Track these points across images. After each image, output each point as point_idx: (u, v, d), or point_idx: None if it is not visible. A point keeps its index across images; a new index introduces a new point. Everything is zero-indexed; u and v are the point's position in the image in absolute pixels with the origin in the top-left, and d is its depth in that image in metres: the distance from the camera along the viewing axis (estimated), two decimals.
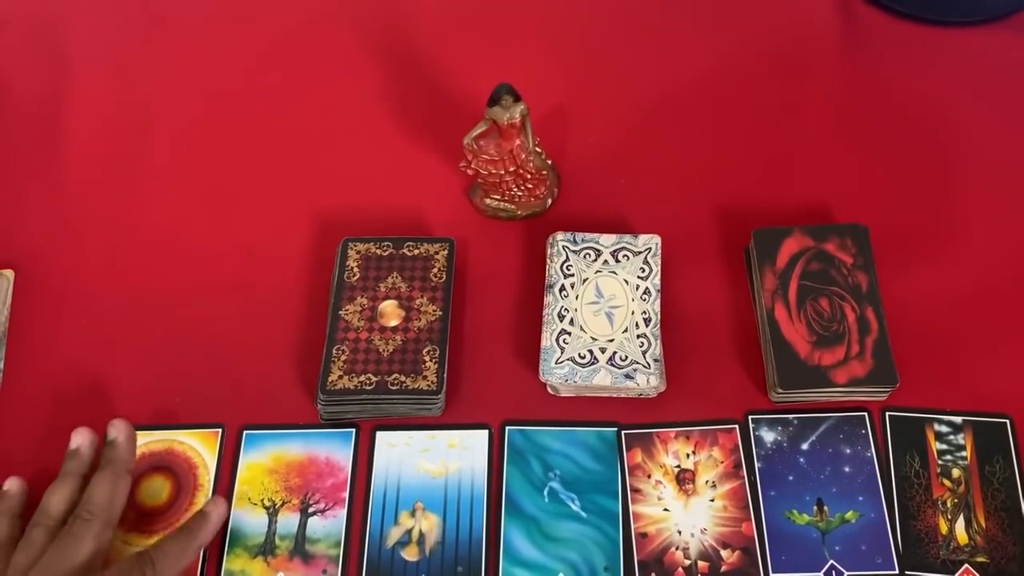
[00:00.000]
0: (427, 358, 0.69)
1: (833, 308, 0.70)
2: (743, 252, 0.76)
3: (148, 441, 0.70)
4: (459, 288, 0.76)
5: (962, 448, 0.68)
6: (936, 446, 0.68)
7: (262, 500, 0.68)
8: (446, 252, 0.74)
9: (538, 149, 0.75)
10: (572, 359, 0.69)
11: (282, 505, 0.68)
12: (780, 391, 0.68)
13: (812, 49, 0.89)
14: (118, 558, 0.66)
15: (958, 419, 0.69)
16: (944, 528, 0.66)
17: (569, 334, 0.70)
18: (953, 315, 0.73)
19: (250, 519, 0.67)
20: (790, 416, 0.70)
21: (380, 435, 0.70)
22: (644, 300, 0.71)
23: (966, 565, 0.64)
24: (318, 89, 0.88)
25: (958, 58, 0.87)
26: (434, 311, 0.71)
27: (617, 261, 0.73)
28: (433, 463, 0.69)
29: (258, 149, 0.84)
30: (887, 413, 0.70)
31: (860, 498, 0.67)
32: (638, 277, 0.72)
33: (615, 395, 0.71)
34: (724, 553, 0.65)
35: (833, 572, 0.64)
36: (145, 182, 0.83)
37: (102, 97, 0.88)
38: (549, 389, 0.71)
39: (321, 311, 0.74)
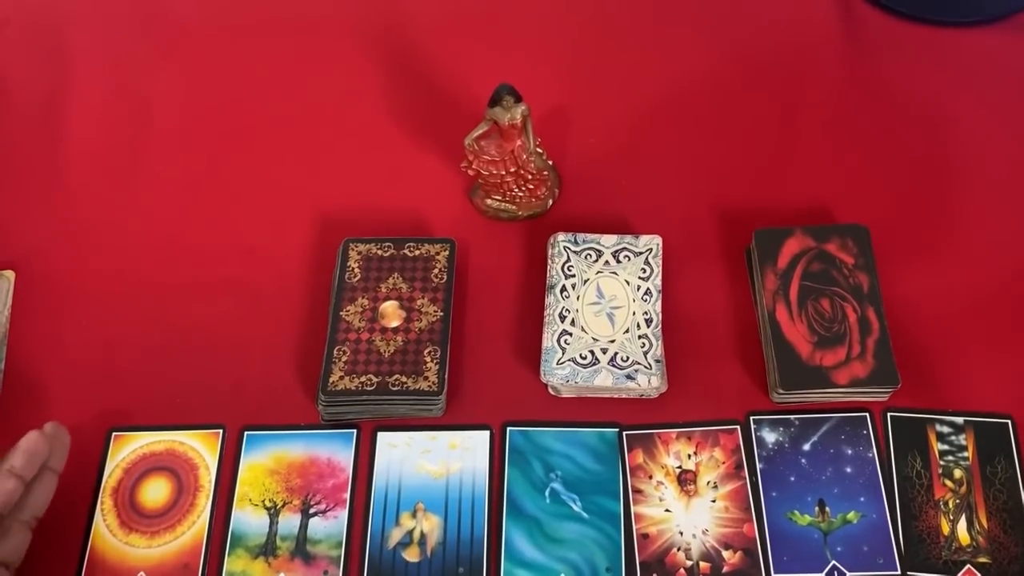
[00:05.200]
0: (428, 359, 0.69)
1: (834, 308, 0.70)
2: (744, 252, 0.76)
3: (149, 442, 0.70)
4: (460, 289, 0.75)
5: (964, 448, 0.68)
6: (938, 446, 0.68)
7: (263, 501, 0.68)
8: (447, 253, 0.74)
9: (539, 150, 0.75)
10: (573, 360, 0.69)
11: (283, 506, 0.68)
12: (781, 392, 0.68)
13: (812, 49, 0.89)
14: (117, 560, 0.66)
15: (959, 419, 0.69)
16: (946, 529, 0.66)
17: (570, 335, 0.70)
18: (954, 315, 0.73)
19: (251, 520, 0.67)
20: (791, 417, 0.70)
21: (381, 436, 0.70)
22: (645, 301, 0.71)
23: (968, 566, 0.64)
24: (319, 89, 0.88)
25: (958, 58, 0.87)
26: (435, 312, 0.71)
27: (618, 262, 0.73)
28: (434, 464, 0.69)
29: (259, 149, 0.84)
30: (888, 414, 0.70)
31: (862, 499, 0.67)
32: (639, 278, 0.72)
33: (616, 396, 0.71)
34: (726, 554, 0.65)
35: (835, 573, 0.64)
36: (145, 182, 0.83)
37: (102, 97, 0.88)
38: (550, 390, 0.71)
39: (322, 312, 0.74)
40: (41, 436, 0.62)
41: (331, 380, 0.68)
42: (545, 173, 0.76)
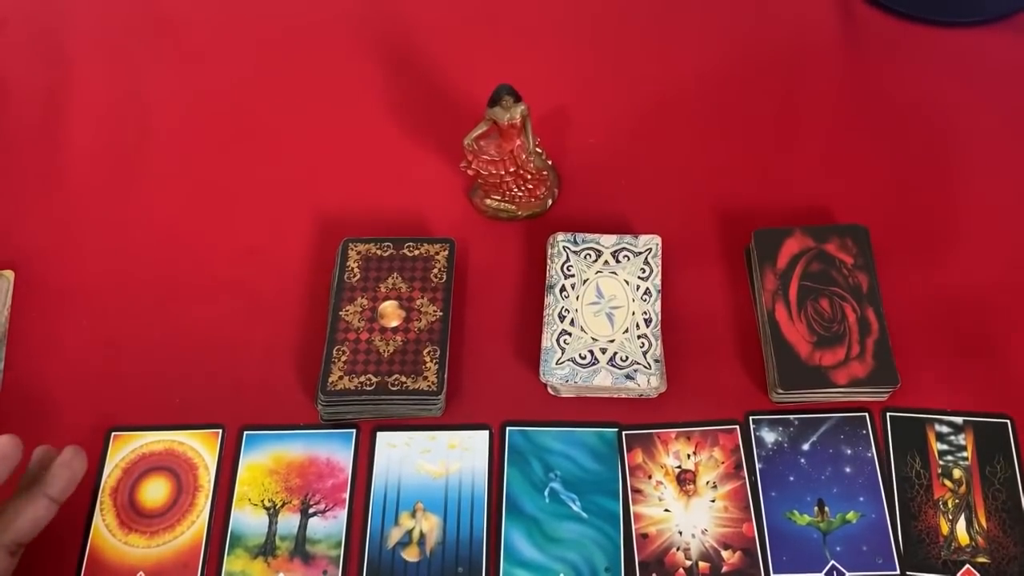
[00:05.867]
0: (427, 359, 0.69)
1: (834, 308, 0.70)
2: (744, 252, 0.76)
3: (148, 442, 0.70)
4: (459, 289, 0.75)
5: (963, 448, 0.68)
6: (937, 446, 0.68)
7: (262, 501, 0.68)
8: (446, 253, 0.74)
9: (538, 149, 0.75)
10: (573, 360, 0.69)
11: (282, 506, 0.68)
12: (781, 391, 0.68)
13: (812, 49, 0.89)
14: (116, 560, 0.66)
15: (959, 419, 0.69)
16: (945, 528, 0.66)
17: (570, 335, 0.70)
18: (953, 315, 0.73)
19: (250, 520, 0.67)
20: (791, 417, 0.70)
21: (380, 436, 0.70)
22: (645, 300, 0.71)
23: (967, 566, 0.64)
24: (319, 89, 0.88)
25: (958, 58, 0.87)
26: (434, 312, 0.71)
27: (617, 262, 0.73)
28: (434, 464, 0.69)
29: (258, 149, 0.84)
30: (888, 413, 0.70)
31: (861, 498, 0.67)
32: (638, 277, 0.72)
33: (616, 396, 0.71)
34: (725, 554, 0.65)
35: (834, 573, 0.64)
36: (145, 182, 0.83)
37: (102, 97, 0.88)
38: (550, 390, 0.71)
39: (321, 312, 0.74)
40: (12, 441, 0.58)
41: (330, 380, 0.68)
42: (544, 173, 0.76)
